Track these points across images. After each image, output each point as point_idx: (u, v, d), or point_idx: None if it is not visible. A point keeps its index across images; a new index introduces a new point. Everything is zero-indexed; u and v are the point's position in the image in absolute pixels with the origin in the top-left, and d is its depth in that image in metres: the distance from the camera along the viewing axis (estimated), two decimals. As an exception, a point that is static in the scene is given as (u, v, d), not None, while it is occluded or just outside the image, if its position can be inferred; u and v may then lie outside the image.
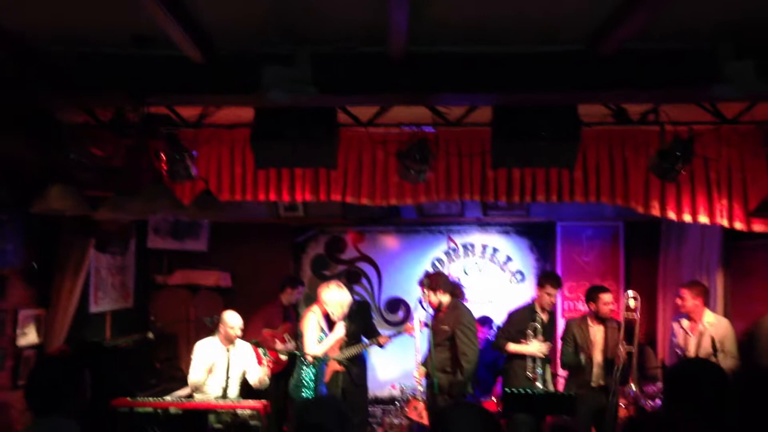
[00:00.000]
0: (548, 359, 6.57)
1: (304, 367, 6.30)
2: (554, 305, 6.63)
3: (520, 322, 6.45)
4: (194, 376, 6.17)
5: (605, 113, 5.06)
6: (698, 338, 6.07)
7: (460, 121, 5.24)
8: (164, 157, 4.82)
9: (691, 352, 6.07)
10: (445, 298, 6.32)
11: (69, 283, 5.97)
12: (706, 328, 6.05)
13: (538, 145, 4.79)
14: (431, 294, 6.31)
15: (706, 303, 6.23)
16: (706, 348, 5.88)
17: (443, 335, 6.23)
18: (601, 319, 6.38)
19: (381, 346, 6.91)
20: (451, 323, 6.20)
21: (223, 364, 6.19)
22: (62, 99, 4.73)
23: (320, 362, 6.30)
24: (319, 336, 6.26)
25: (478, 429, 2.29)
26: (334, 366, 6.60)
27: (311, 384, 6.27)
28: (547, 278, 6.55)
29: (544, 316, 6.46)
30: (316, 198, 6.05)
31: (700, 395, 2.72)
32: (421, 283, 6.43)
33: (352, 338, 6.71)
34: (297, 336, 7.34)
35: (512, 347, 6.39)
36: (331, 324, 6.39)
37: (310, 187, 6.03)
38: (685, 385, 2.79)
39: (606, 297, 6.38)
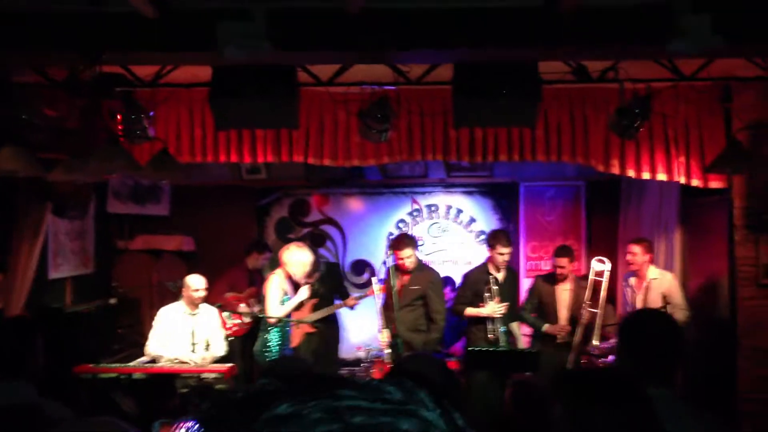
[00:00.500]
0: (517, 316, 6.59)
1: (268, 330, 6.30)
2: (508, 262, 6.51)
3: (474, 283, 6.44)
4: (151, 347, 6.13)
5: (565, 71, 5.07)
6: (644, 294, 6.18)
7: (420, 79, 5.21)
8: (120, 118, 4.73)
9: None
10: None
11: (26, 248, 5.87)
12: (651, 284, 6.17)
13: (500, 104, 4.80)
14: (414, 252, 6.32)
15: (651, 259, 6.35)
16: (653, 304, 5.99)
17: (412, 295, 6.27)
18: (565, 279, 6.49)
19: (351, 307, 6.93)
20: (423, 283, 6.25)
21: (187, 330, 6.15)
22: (13, 58, 4.59)
23: (284, 325, 6.29)
24: (282, 299, 6.23)
25: (436, 378, 2.29)
26: (305, 328, 6.60)
27: (276, 347, 6.27)
28: (495, 238, 6.41)
29: (500, 276, 6.43)
30: (278, 159, 6.01)
31: (653, 344, 2.74)
32: (398, 245, 6.37)
33: (323, 300, 6.70)
34: (262, 300, 7.33)
35: (469, 311, 6.38)
36: (296, 286, 6.38)
37: (272, 148, 5.97)
38: (637, 333, 2.80)
39: (558, 261, 6.42)
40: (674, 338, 2.75)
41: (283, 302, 6.23)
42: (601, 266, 6.37)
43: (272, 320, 6.21)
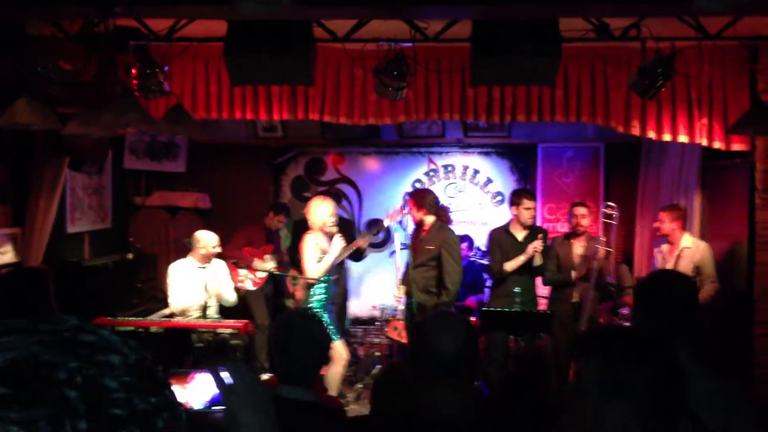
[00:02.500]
0: (535, 273, 6.54)
1: (312, 287, 6.17)
2: (534, 218, 6.49)
3: (500, 243, 6.38)
4: (176, 300, 6.17)
5: (586, 28, 4.95)
6: (675, 261, 6.13)
7: (438, 36, 5.12)
8: (135, 72, 4.69)
9: None
10: (428, 218, 6.29)
11: (44, 202, 5.91)
12: (684, 252, 6.11)
13: (519, 62, 4.70)
14: (414, 210, 6.29)
15: (684, 226, 6.27)
16: (683, 271, 5.94)
17: (427, 255, 6.23)
18: (582, 235, 6.47)
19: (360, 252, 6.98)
20: (437, 243, 6.19)
21: (199, 284, 6.19)
22: (28, 11, 4.56)
23: (327, 282, 6.15)
24: (318, 257, 6.03)
25: (460, 339, 2.25)
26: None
27: (318, 303, 6.14)
28: (519, 194, 6.40)
29: (521, 235, 6.36)
30: (293, 116, 5.95)
31: (670, 305, 2.70)
32: (407, 198, 6.43)
33: None
34: (279, 258, 7.34)
35: (509, 266, 6.29)
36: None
37: (288, 106, 5.92)
38: (655, 294, 2.77)
39: (577, 210, 6.48)
40: (691, 300, 2.72)
41: (320, 260, 6.00)
42: (611, 210, 6.49)
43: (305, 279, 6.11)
